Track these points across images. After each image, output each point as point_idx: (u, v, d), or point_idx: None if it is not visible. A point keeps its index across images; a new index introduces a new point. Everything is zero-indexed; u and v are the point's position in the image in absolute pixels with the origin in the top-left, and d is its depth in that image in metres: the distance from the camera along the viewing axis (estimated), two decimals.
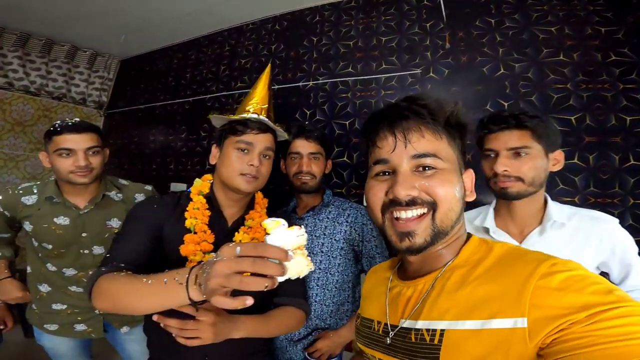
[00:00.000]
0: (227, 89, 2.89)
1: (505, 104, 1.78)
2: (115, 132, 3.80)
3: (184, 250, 1.05)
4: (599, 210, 1.47)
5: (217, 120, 1.17)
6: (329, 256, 1.47)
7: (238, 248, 0.58)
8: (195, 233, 1.08)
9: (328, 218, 1.51)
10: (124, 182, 1.68)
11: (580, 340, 0.43)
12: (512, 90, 1.78)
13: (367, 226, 1.49)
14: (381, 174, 0.66)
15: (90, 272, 0.99)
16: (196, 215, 1.09)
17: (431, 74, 2.02)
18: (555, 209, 1.12)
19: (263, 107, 1.15)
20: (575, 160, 1.60)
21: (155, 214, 1.10)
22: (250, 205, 1.20)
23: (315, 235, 1.49)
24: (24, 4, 2.87)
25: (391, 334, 0.67)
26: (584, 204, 1.57)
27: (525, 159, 1.06)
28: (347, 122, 2.23)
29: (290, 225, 0.61)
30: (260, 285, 0.56)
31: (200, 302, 0.70)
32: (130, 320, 1.65)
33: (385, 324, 0.70)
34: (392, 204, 0.62)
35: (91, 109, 3.98)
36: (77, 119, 1.48)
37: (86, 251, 1.54)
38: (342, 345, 1.47)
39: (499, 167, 1.07)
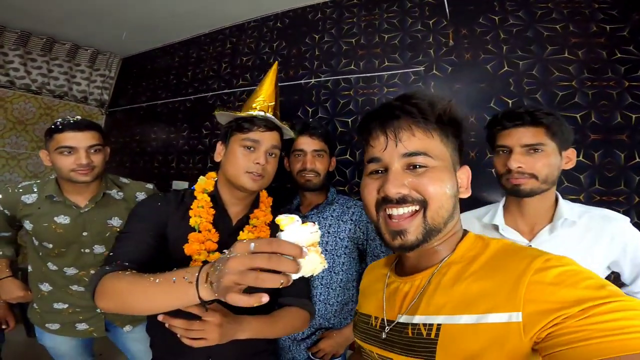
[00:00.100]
0: (228, 86, 2.85)
1: (510, 102, 1.75)
2: (117, 131, 3.77)
3: (188, 249, 1.02)
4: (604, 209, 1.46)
5: (223, 116, 1.14)
6: (333, 255, 1.44)
7: (252, 244, 0.56)
8: (199, 232, 1.05)
9: (332, 216, 1.48)
10: (125, 180, 1.65)
11: (574, 335, 0.44)
12: (516, 88, 1.75)
13: (372, 224, 1.46)
14: (375, 172, 0.66)
15: (92, 272, 0.97)
16: (200, 213, 1.06)
17: (434, 71, 1.98)
18: (566, 207, 1.10)
19: (270, 104, 1.12)
20: (581, 158, 1.57)
21: (159, 212, 1.06)
22: (255, 204, 1.17)
23: None
24: (25, 3, 2.82)
25: (387, 328, 0.67)
26: (589, 201, 1.54)
27: (540, 155, 1.04)
28: (349, 120, 2.20)
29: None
30: (276, 282, 0.54)
31: (209, 301, 0.68)
32: (133, 319, 1.62)
33: (383, 319, 0.70)
34: (384, 201, 0.63)
35: (93, 107, 3.94)
36: (79, 117, 1.45)
37: (87, 250, 1.51)
38: (346, 345, 1.44)
39: (513, 164, 1.04)
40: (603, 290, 0.47)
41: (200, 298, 0.66)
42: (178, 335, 0.86)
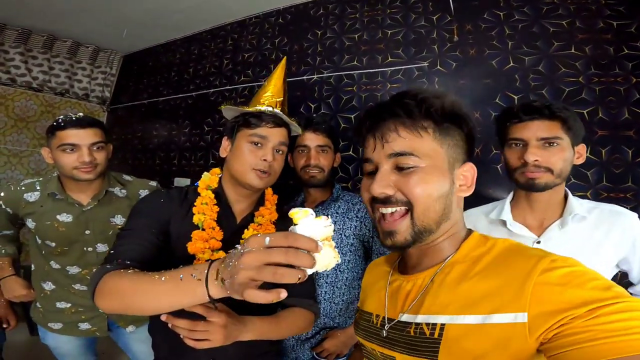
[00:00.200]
0: (230, 83, 2.81)
1: (515, 98, 1.71)
2: (119, 128, 3.71)
3: (191, 247, 0.98)
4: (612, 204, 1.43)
5: (230, 111, 1.09)
6: (338, 252, 1.41)
7: (267, 238, 0.52)
8: (203, 230, 1.01)
9: (337, 213, 1.44)
10: (128, 178, 1.61)
11: (581, 335, 0.43)
12: (522, 84, 1.71)
13: None
14: (370, 172, 0.66)
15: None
16: (204, 210, 1.02)
17: (438, 67, 1.94)
18: (576, 201, 1.08)
19: (278, 100, 1.07)
20: (588, 155, 1.51)
21: (162, 209, 1.02)
22: (260, 202, 1.12)
23: None
24: (25, 0, 2.78)
25: (387, 326, 0.66)
26: (597, 198, 1.50)
27: (556, 149, 1.02)
28: (352, 116, 2.15)
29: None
30: (294, 277, 0.51)
31: (216, 300, 0.64)
32: (136, 319, 1.58)
33: (384, 318, 0.69)
34: (374, 200, 0.63)
35: (94, 105, 3.90)
36: (81, 114, 1.41)
37: (90, 249, 1.47)
38: (350, 344, 1.40)
39: (530, 157, 1.01)
40: (610, 291, 0.46)
41: (209, 296, 0.62)
42: (181, 336, 0.82)
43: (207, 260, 0.91)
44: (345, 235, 1.41)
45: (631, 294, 1.10)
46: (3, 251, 1.53)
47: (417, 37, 2.04)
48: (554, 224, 1.07)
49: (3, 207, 1.43)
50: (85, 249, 1.46)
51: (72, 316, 1.51)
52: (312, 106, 2.32)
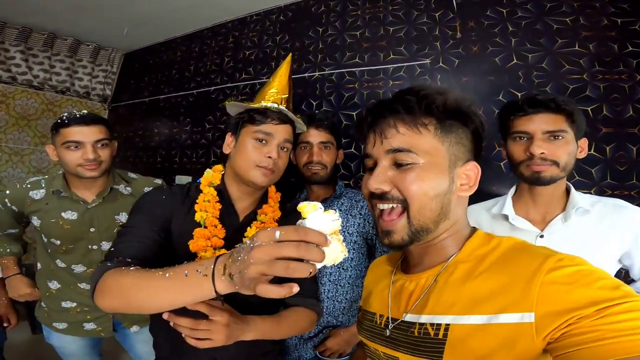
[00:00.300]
0: (231, 80, 2.77)
1: (519, 95, 1.67)
2: (120, 126, 3.67)
3: (193, 245, 0.95)
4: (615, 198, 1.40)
5: (234, 107, 1.06)
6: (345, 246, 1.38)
7: (277, 232, 0.51)
8: (205, 227, 0.98)
9: (340, 210, 1.41)
10: (133, 175, 1.59)
11: (588, 335, 0.42)
12: (525, 81, 1.68)
13: None
14: (370, 168, 0.65)
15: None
16: (207, 208, 0.99)
17: (441, 64, 1.90)
18: (579, 195, 1.06)
19: (283, 97, 1.04)
20: (592, 152, 1.50)
21: (164, 206, 0.99)
22: (263, 199, 1.09)
23: None
24: None
25: (390, 326, 0.65)
26: (601, 195, 1.45)
27: (561, 142, 1.00)
28: (354, 113, 2.11)
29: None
30: (306, 271, 0.50)
31: (218, 297, 0.62)
32: (140, 319, 1.56)
33: (388, 318, 0.67)
34: (372, 195, 0.63)
35: (95, 103, 3.87)
36: (85, 111, 1.39)
37: (95, 247, 1.44)
38: (353, 343, 1.37)
39: (536, 149, 0.99)
40: (617, 290, 0.45)
41: (216, 292, 0.60)
42: (183, 335, 0.80)
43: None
44: (348, 233, 1.38)
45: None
46: (8, 250, 1.52)
47: (420, 34, 2.00)
48: (557, 217, 1.05)
49: (9, 205, 1.41)
50: (90, 247, 1.44)
51: (77, 316, 1.48)
52: (314, 103, 2.28)
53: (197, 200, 1.01)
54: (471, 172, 0.63)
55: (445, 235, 0.63)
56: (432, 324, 0.57)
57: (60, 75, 3.59)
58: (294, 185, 1.62)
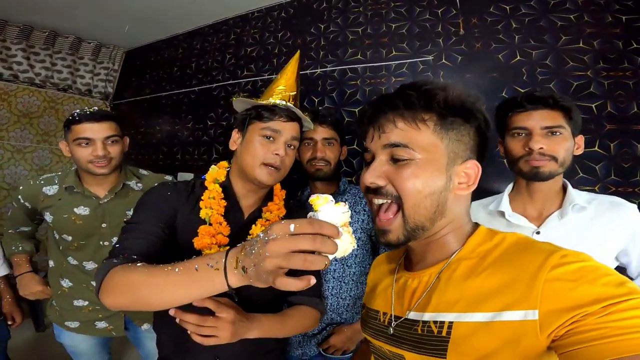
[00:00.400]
0: (233, 77, 2.74)
1: (522, 91, 1.66)
2: (122, 123, 3.67)
3: (198, 243, 0.93)
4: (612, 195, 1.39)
5: (241, 103, 1.04)
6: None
7: (292, 225, 0.51)
8: (210, 224, 0.96)
9: None
10: (144, 172, 1.59)
11: (593, 332, 0.41)
12: (529, 78, 1.65)
13: None
14: (368, 162, 0.64)
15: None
16: (211, 205, 0.97)
17: (444, 60, 1.88)
18: (575, 192, 1.06)
19: (291, 94, 1.02)
20: (596, 148, 1.48)
21: (169, 202, 0.97)
22: (269, 197, 1.07)
23: None
24: None
25: (393, 324, 0.64)
26: (605, 192, 1.45)
27: (559, 138, 1.01)
28: (356, 110, 2.09)
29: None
30: (322, 263, 0.50)
31: (222, 294, 0.61)
32: (151, 317, 1.55)
33: (391, 315, 0.67)
34: (367, 190, 0.62)
35: (97, 100, 3.84)
36: (96, 108, 1.39)
37: (106, 243, 1.43)
38: (357, 340, 1.35)
39: (535, 145, 1.00)
40: (623, 287, 0.44)
41: (228, 285, 0.59)
42: (188, 332, 0.78)
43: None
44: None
45: None
46: (20, 248, 1.52)
47: (422, 30, 1.98)
48: (553, 214, 1.06)
49: (22, 201, 1.42)
50: (101, 242, 1.44)
51: (89, 314, 1.47)
52: (316, 100, 2.26)
53: (202, 197, 0.99)
54: (471, 171, 0.61)
55: (445, 231, 0.61)
56: (435, 322, 0.56)
57: (62, 73, 3.56)
58: (297, 181, 1.61)
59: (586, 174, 1.50)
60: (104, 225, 1.43)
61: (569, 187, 1.07)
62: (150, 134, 3.33)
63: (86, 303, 1.47)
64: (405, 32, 2.03)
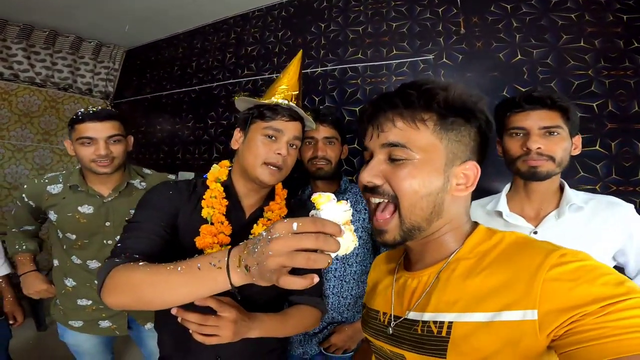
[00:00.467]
0: (233, 76, 2.73)
1: (523, 90, 1.65)
2: (126, 122, 3.66)
3: (200, 242, 0.92)
4: (620, 199, 1.38)
5: (243, 102, 1.03)
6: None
7: (295, 224, 0.50)
8: (211, 224, 0.96)
9: None
10: (147, 171, 1.59)
11: (592, 332, 0.41)
12: (530, 76, 1.64)
13: None
14: (367, 161, 0.64)
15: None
16: (213, 204, 0.96)
17: (444, 59, 1.87)
18: (572, 192, 1.06)
19: (293, 93, 1.00)
20: (597, 147, 1.47)
21: (170, 201, 0.95)
22: (270, 196, 1.06)
23: None
24: None
25: (393, 324, 0.64)
26: (606, 191, 1.44)
27: (557, 138, 1.01)
28: (357, 109, 2.08)
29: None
30: (325, 261, 0.50)
31: (228, 291, 0.60)
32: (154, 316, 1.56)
33: (391, 315, 0.66)
34: (364, 189, 0.62)
35: (97, 100, 3.82)
36: (99, 107, 1.39)
37: (109, 242, 1.42)
38: (358, 339, 1.34)
39: (533, 145, 0.99)
40: (622, 286, 0.43)
41: (231, 284, 0.59)
42: (190, 331, 0.77)
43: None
44: None
45: None
46: (24, 247, 1.51)
47: (423, 29, 1.97)
48: (550, 214, 1.05)
49: (26, 200, 1.41)
50: (105, 241, 1.43)
51: (92, 314, 1.46)
52: (316, 99, 2.24)
53: (203, 196, 0.98)
54: (470, 172, 0.59)
55: (443, 231, 0.61)
56: (435, 322, 0.56)
57: (63, 72, 3.55)
58: (297, 180, 1.60)
59: (587, 173, 1.49)
60: (107, 223, 1.43)
61: (566, 187, 1.07)
62: (150, 133, 3.32)
63: (90, 302, 1.46)
64: (405, 31, 2.02)
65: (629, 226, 1.02)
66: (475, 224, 0.64)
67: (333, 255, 0.52)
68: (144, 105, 3.46)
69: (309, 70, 2.30)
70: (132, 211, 1.41)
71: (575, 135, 1.06)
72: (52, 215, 1.41)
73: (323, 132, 1.38)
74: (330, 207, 0.53)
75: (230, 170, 1.04)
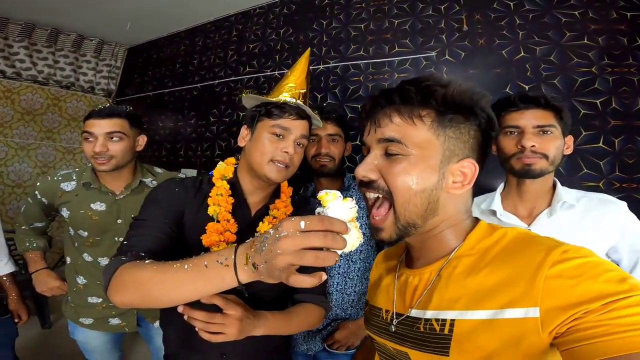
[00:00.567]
0: (235, 74, 2.71)
1: (527, 87, 1.62)
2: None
3: (206, 240, 0.90)
4: (624, 196, 1.37)
5: (250, 100, 1.01)
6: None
7: (302, 222, 0.50)
8: (217, 222, 0.94)
9: None
10: (158, 170, 1.58)
11: (595, 330, 0.41)
12: (533, 73, 1.62)
13: None
14: (365, 156, 0.64)
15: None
16: (219, 202, 0.94)
17: (447, 56, 1.85)
18: (564, 190, 1.07)
19: (301, 92, 0.99)
20: (601, 144, 1.46)
21: (177, 199, 0.95)
22: (276, 194, 1.05)
23: None
24: None
25: (395, 321, 0.64)
26: (609, 188, 1.43)
27: (550, 137, 1.03)
28: (359, 106, 2.07)
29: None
30: (333, 259, 0.50)
31: (244, 285, 0.60)
32: None
33: (393, 313, 0.66)
34: (360, 183, 0.62)
35: (100, 97, 3.81)
36: (108, 105, 1.38)
37: (121, 239, 1.40)
38: (362, 336, 1.33)
39: (527, 143, 1.01)
40: (624, 283, 0.43)
41: (239, 281, 0.58)
42: (196, 329, 0.77)
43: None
44: None
45: None
46: (35, 244, 1.50)
47: (425, 26, 1.95)
48: (542, 212, 1.06)
49: (38, 197, 1.40)
50: (116, 239, 1.42)
51: (102, 311, 1.46)
52: (319, 96, 2.23)
53: (210, 194, 0.97)
54: (467, 170, 0.58)
55: (441, 228, 0.60)
56: (437, 320, 0.56)
57: (65, 70, 3.53)
58: (301, 177, 1.59)
59: (590, 170, 1.48)
60: (119, 221, 1.42)
61: (558, 185, 1.08)
62: (153, 130, 3.30)
63: (100, 300, 1.46)
64: (408, 28, 1.99)
65: (621, 223, 1.02)
66: (476, 220, 0.63)
67: (339, 252, 0.52)
68: (146, 102, 3.44)
69: (311, 68, 2.28)
70: None
71: (568, 135, 1.08)
72: (65, 212, 1.40)
73: (327, 129, 1.37)
74: (337, 205, 0.53)
75: (236, 168, 1.03)
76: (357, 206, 0.55)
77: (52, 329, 2.61)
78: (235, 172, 1.02)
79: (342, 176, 1.46)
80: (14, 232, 1.55)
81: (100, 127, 1.32)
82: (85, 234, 1.40)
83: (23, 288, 1.57)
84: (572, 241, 0.95)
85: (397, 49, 2.01)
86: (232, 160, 1.05)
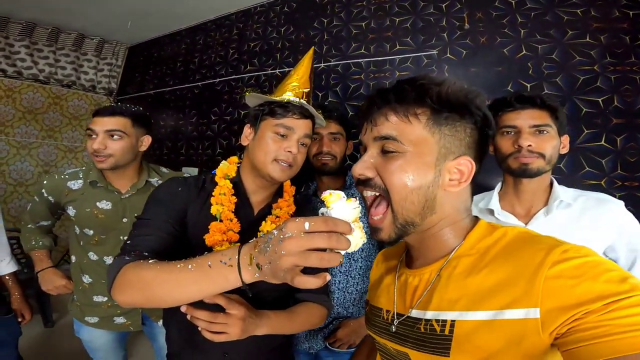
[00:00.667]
0: (236, 72, 2.69)
1: (528, 86, 1.61)
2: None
3: (209, 240, 0.89)
4: (626, 194, 1.36)
5: (254, 99, 1.00)
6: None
7: (307, 223, 0.49)
8: (220, 221, 0.94)
9: None
10: (164, 170, 1.58)
11: (595, 330, 0.40)
12: (535, 72, 1.61)
13: None
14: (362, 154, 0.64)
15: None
16: (222, 201, 0.93)
17: (448, 54, 1.84)
18: (561, 189, 1.07)
19: (304, 91, 0.98)
20: (603, 143, 1.45)
21: (180, 197, 0.93)
22: (278, 193, 1.04)
23: None
24: None
25: (395, 322, 0.63)
26: (611, 187, 1.42)
27: (546, 136, 1.03)
28: (360, 104, 2.07)
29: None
30: (337, 260, 0.50)
31: (248, 285, 0.59)
32: None
33: (394, 313, 0.65)
34: (357, 182, 0.62)
35: (101, 96, 3.80)
36: (114, 103, 1.38)
37: (126, 237, 1.43)
38: (363, 334, 1.31)
39: (524, 142, 1.02)
40: (625, 283, 0.42)
41: (242, 282, 0.58)
42: (199, 329, 0.76)
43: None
44: None
45: None
46: (40, 243, 1.50)
47: (426, 24, 1.93)
48: (539, 211, 1.06)
49: (45, 195, 1.40)
50: (121, 237, 1.41)
51: (108, 310, 1.46)
52: (320, 95, 2.21)
53: (212, 193, 0.96)
54: (464, 167, 0.58)
55: (440, 227, 0.60)
56: (437, 320, 0.55)
57: (66, 69, 3.51)
58: (302, 176, 1.58)
59: (592, 169, 1.47)
60: (124, 220, 1.41)
61: (555, 184, 1.08)
62: (154, 129, 3.27)
63: (105, 299, 1.46)
64: (409, 26, 1.98)
65: (618, 222, 1.02)
66: (476, 219, 0.62)
67: (343, 252, 0.51)
68: (147, 101, 3.43)
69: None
70: None
71: (564, 135, 1.08)
72: (71, 211, 1.39)
73: (328, 128, 1.36)
74: (341, 205, 0.53)
75: (239, 167, 1.02)
76: (360, 206, 0.54)
77: (54, 327, 2.61)
78: (238, 171, 1.01)
79: (344, 174, 1.45)
80: (16, 230, 1.55)
81: (102, 124, 1.31)
82: (91, 232, 1.40)
83: (26, 287, 1.56)
84: (569, 240, 0.95)
85: (398, 47, 1.99)
86: (234, 159, 1.04)
